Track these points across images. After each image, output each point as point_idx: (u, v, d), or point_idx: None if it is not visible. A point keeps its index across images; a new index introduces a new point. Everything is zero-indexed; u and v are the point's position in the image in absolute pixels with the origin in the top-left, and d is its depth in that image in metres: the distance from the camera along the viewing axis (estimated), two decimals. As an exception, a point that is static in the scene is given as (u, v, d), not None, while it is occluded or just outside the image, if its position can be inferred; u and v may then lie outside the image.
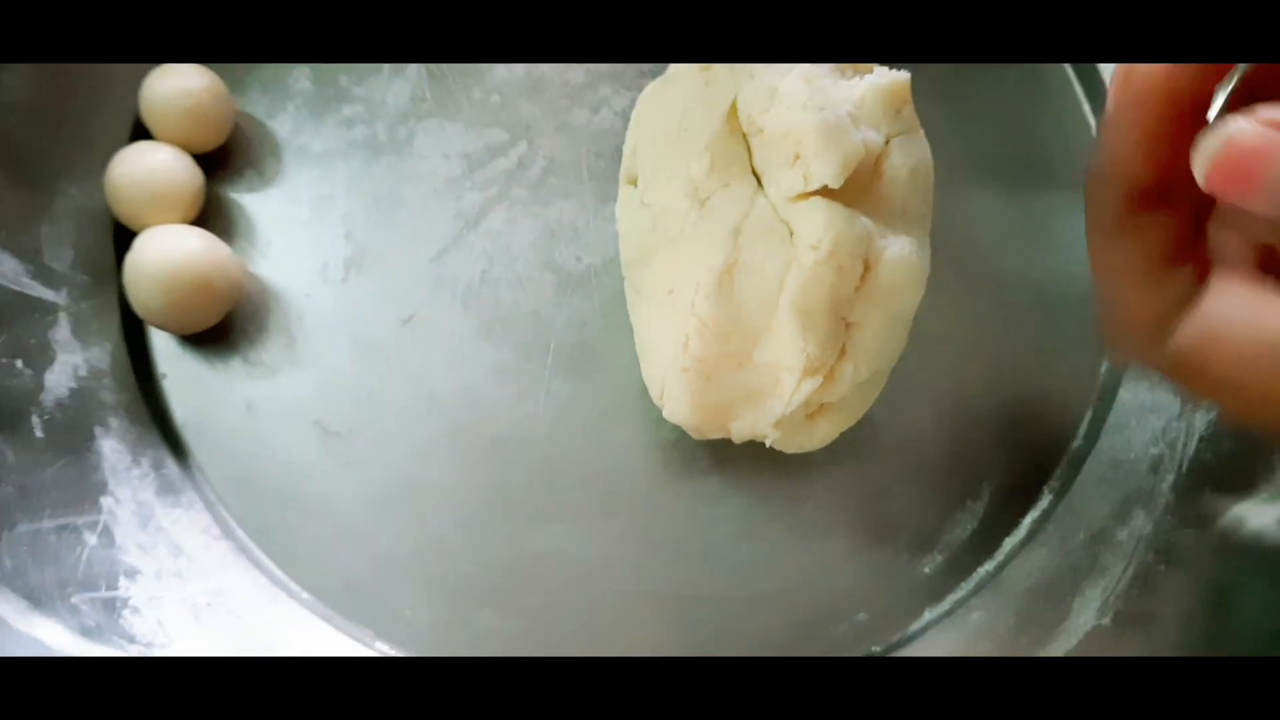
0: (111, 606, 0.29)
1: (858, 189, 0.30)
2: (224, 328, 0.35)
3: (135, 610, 0.30)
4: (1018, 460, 0.34)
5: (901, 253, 0.30)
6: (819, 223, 0.29)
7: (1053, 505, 0.33)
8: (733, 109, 0.31)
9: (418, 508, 0.33)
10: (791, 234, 0.29)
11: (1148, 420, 0.33)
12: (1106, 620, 0.30)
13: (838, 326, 0.30)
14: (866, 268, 0.30)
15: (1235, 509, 0.30)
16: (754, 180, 0.31)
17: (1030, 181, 0.37)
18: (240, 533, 0.33)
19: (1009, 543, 0.33)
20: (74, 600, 0.29)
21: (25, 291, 0.33)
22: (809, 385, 0.29)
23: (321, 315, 0.35)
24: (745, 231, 0.30)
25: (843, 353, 0.30)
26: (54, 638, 0.27)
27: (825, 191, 0.29)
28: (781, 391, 0.30)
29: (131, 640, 0.29)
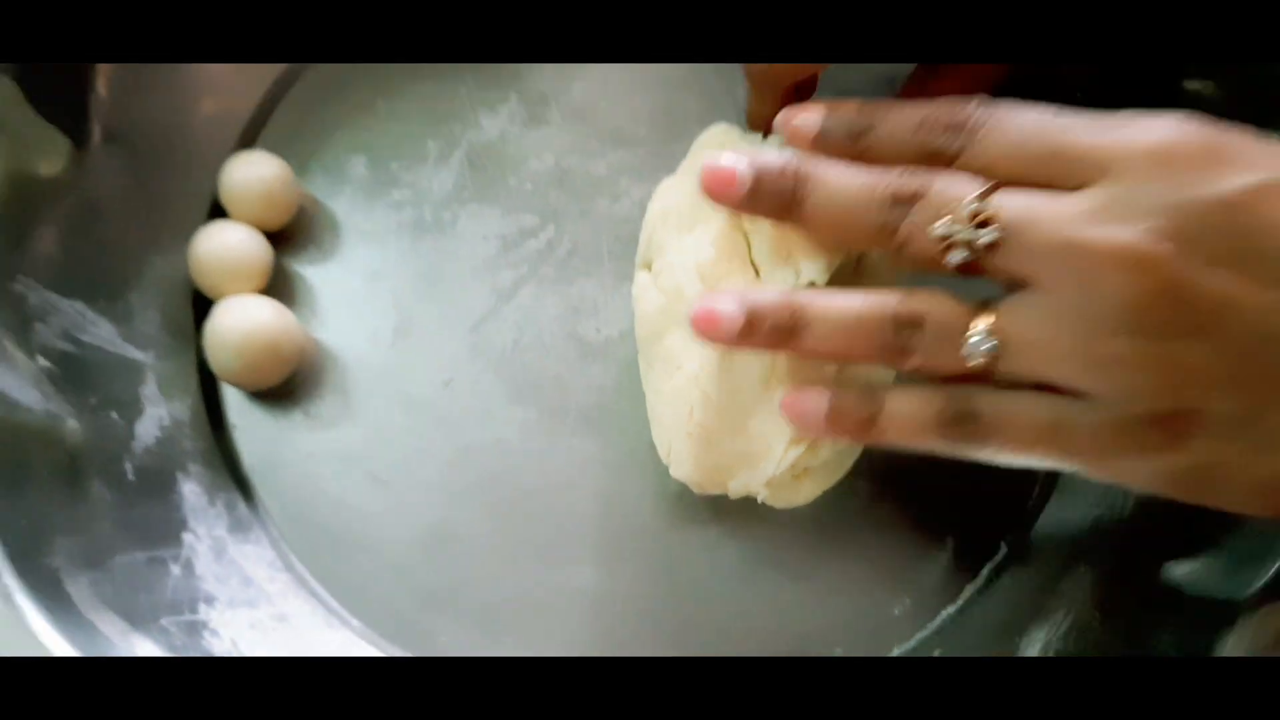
0: (194, 628, 0.34)
1: (841, 282, 0.35)
2: (288, 385, 0.40)
3: (214, 632, 0.35)
4: (978, 517, 0.39)
5: (877, 338, 0.35)
6: (806, 313, 0.34)
7: (1008, 557, 0.38)
8: (736, 208, 0.36)
9: (454, 548, 0.38)
10: (783, 321, 0.34)
11: (1091, 484, 0.38)
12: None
13: (821, 401, 0.35)
14: (846, 351, 0.35)
15: (1158, 563, 0.34)
16: (753, 271, 0.36)
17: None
18: (300, 566, 0.38)
19: (969, 589, 0.38)
20: (163, 622, 0.34)
21: (119, 352, 0.38)
22: (795, 451, 0.34)
23: (372, 376, 0.40)
24: (744, 317, 0.35)
25: (825, 423, 0.35)
26: (148, 654, 0.32)
27: (812, 285, 0.34)
28: (772, 456, 0.34)
29: (212, 654, 0.34)
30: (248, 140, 0.43)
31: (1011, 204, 0.27)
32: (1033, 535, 0.38)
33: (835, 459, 0.36)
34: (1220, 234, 0.25)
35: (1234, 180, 0.25)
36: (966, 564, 0.38)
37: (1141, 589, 0.34)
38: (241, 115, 0.43)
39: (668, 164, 0.41)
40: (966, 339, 0.28)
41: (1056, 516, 0.38)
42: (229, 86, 0.42)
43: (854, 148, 0.30)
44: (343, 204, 0.42)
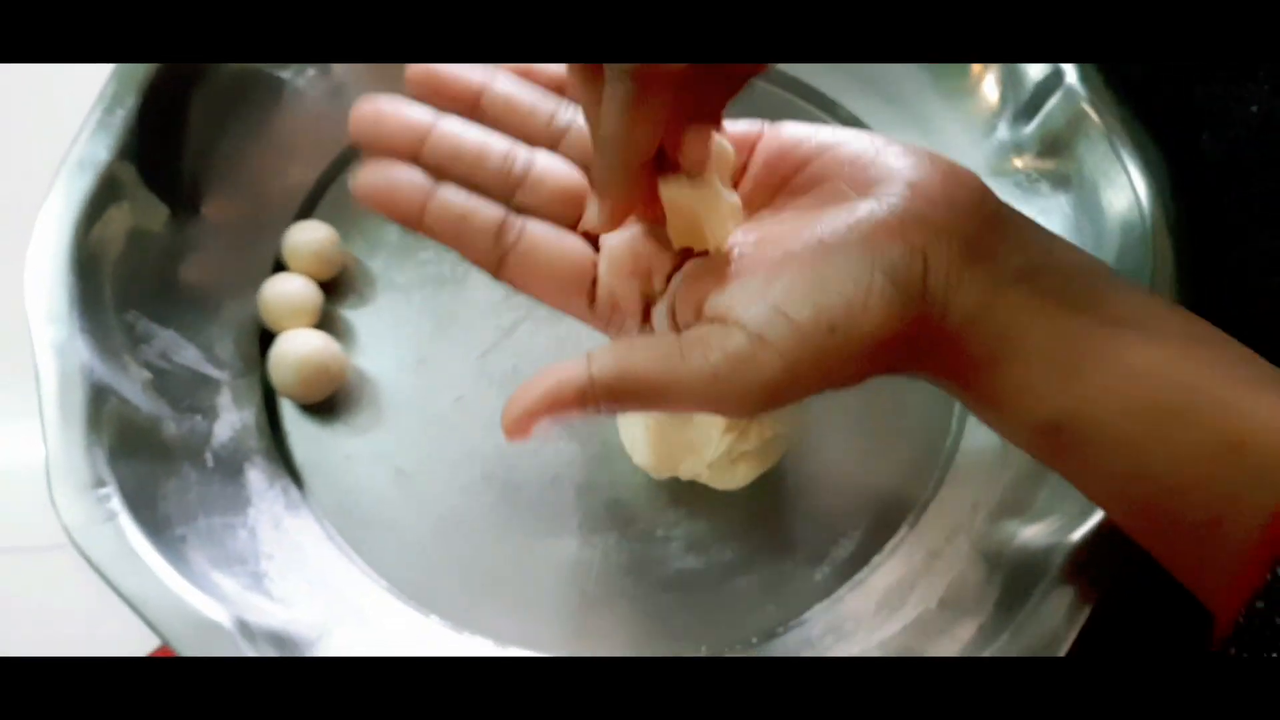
0: (257, 576, 0.43)
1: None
2: (331, 401, 0.49)
3: (271, 580, 0.44)
4: (885, 501, 0.47)
5: (793, 352, 0.45)
6: (734, 330, 0.44)
7: (907, 532, 0.47)
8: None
9: (462, 526, 0.47)
10: (719, 338, 0.44)
11: (972, 476, 0.47)
12: (933, 605, 0.44)
13: (748, 399, 0.44)
14: (768, 360, 0.45)
15: (1009, 526, 0.44)
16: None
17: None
18: (339, 539, 0.47)
19: (876, 559, 0.46)
20: (235, 569, 0.43)
21: (202, 371, 0.48)
22: (729, 438, 0.44)
23: (399, 394, 0.50)
24: (688, 336, 0.45)
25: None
26: (228, 589, 0.41)
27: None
28: (711, 442, 0.44)
29: (270, 598, 0.43)
30: (305, 211, 0.53)
31: None
32: (926, 516, 0.47)
33: (764, 447, 0.45)
34: None
35: None
36: (874, 540, 0.47)
37: (996, 550, 0.44)
38: (300, 192, 0.54)
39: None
40: None
41: (945, 502, 0.47)
42: (292, 169, 0.54)
43: None
44: (379, 262, 0.53)
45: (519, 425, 0.34)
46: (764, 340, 0.32)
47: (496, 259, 0.37)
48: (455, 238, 0.37)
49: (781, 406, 0.34)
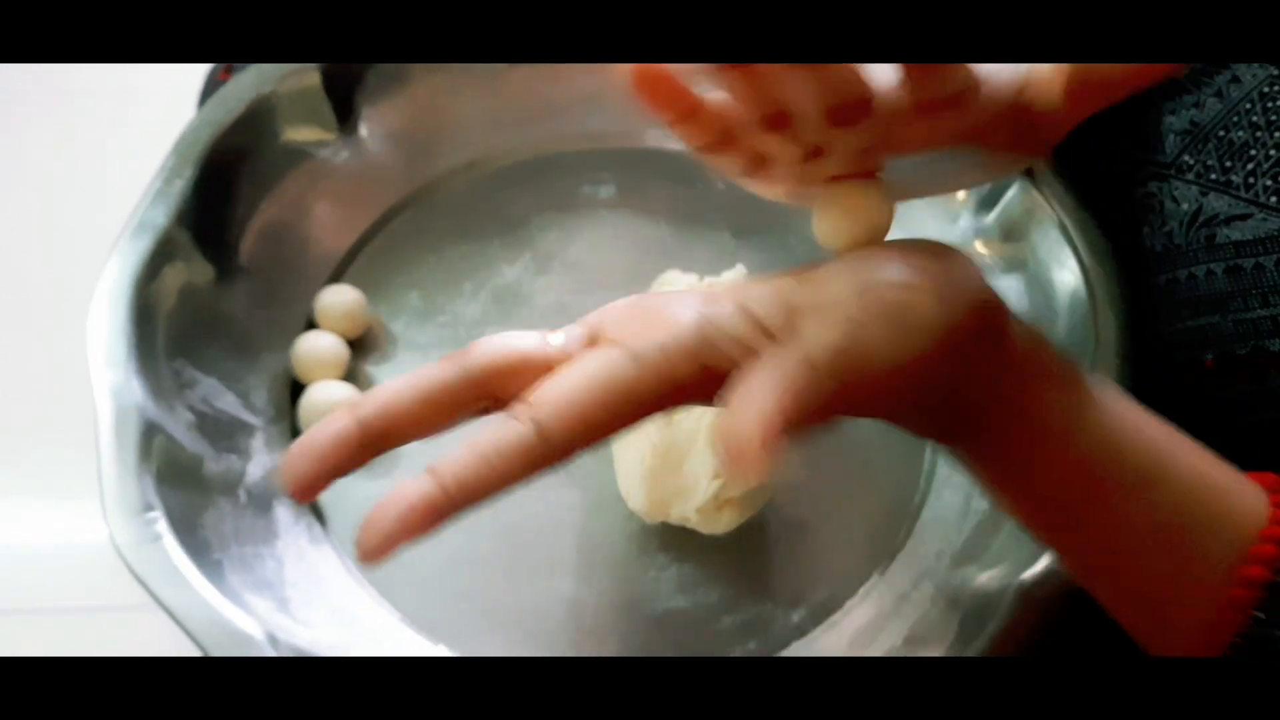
0: (283, 599, 0.48)
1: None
2: (354, 447, 0.54)
3: (296, 605, 0.48)
4: (859, 550, 0.52)
5: (774, 409, 0.50)
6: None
7: (877, 579, 0.52)
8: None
9: (468, 563, 0.51)
10: (708, 394, 0.49)
11: (936, 529, 0.52)
12: (899, 642, 0.48)
13: (734, 450, 0.49)
14: (752, 416, 0.50)
15: (968, 572, 0.48)
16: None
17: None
18: (356, 571, 0.51)
19: (849, 603, 0.51)
20: (264, 593, 0.47)
21: (239, 416, 0.53)
22: (716, 484, 0.48)
23: (414, 444, 0.55)
24: (681, 392, 0.50)
25: (737, 466, 0.49)
26: (259, 609, 0.45)
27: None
28: (700, 488, 0.49)
29: (295, 620, 0.47)
30: (336, 276, 0.59)
31: None
32: (896, 563, 0.52)
33: (750, 497, 0.50)
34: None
35: None
36: (848, 585, 0.51)
37: (956, 593, 0.48)
38: (333, 259, 0.59)
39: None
40: None
41: (914, 551, 0.52)
42: (325, 238, 0.59)
43: None
44: (400, 324, 0.58)
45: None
46: None
47: None
48: None
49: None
